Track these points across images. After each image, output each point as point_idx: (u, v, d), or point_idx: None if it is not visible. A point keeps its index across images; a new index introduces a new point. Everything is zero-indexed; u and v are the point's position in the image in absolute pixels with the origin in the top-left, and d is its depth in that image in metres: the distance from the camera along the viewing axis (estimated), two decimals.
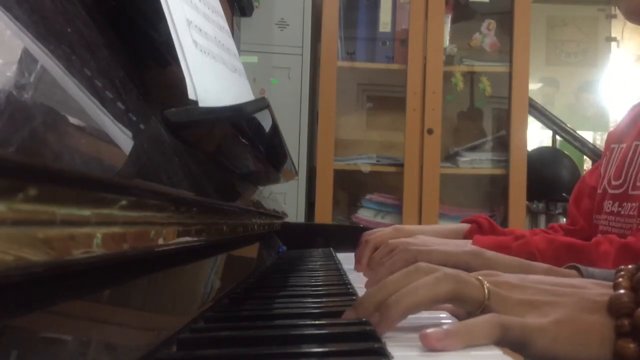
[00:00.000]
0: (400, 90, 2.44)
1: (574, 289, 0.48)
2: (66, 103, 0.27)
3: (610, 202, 0.86)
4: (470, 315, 0.47)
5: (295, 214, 2.34)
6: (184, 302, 0.47)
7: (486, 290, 0.46)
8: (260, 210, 0.84)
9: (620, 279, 0.46)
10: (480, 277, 0.48)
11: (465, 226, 1.02)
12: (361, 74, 2.57)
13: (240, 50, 2.29)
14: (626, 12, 0.85)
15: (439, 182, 2.37)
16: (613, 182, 0.86)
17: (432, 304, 0.47)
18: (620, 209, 0.84)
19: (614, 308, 0.44)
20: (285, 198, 2.30)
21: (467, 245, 0.80)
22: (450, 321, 0.50)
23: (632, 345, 0.42)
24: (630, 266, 0.47)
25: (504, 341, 0.43)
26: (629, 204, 0.82)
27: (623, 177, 0.84)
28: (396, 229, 0.97)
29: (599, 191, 0.90)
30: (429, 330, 0.42)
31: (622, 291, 0.44)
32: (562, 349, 0.44)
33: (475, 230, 0.99)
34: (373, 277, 0.70)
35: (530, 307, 0.46)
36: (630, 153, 0.84)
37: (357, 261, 0.92)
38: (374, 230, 0.98)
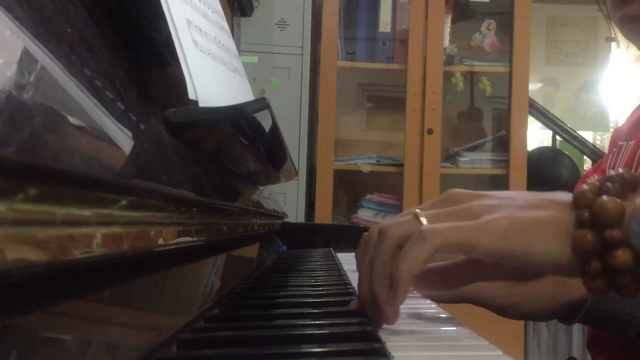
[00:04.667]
0: (400, 90, 2.44)
1: (528, 194, 0.46)
2: (66, 103, 0.27)
3: None
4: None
5: (295, 214, 2.34)
6: (184, 302, 0.47)
7: (423, 220, 0.44)
8: (260, 210, 0.84)
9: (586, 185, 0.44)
10: (416, 211, 0.46)
11: None
12: (361, 74, 2.57)
13: (240, 50, 2.29)
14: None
15: (439, 182, 2.37)
16: None
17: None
18: None
19: (575, 201, 0.42)
20: (285, 198, 2.30)
21: None
22: (445, 315, 0.51)
23: (589, 235, 0.40)
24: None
25: (443, 247, 0.42)
26: None
27: None
28: None
29: None
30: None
31: (585, 186, 0.43)
32: (513, 245, 0.42)
33: None
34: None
35: (481, 211, 0.44)
36: (639, 151, 0.83)
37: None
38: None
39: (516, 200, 0.45)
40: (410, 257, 0.42)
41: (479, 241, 0.42)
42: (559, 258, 0.41)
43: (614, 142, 0.95)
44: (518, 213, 0.43)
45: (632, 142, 0.86)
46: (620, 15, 0.77)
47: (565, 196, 0.44)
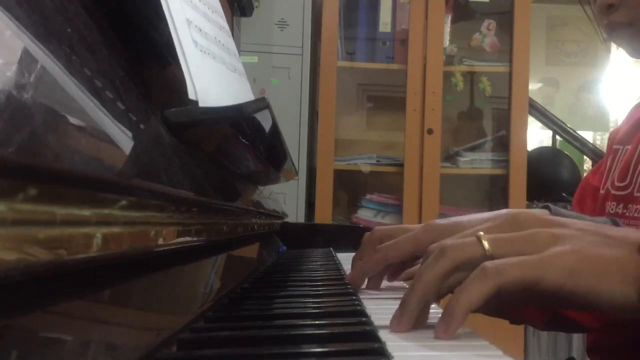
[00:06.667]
0: (400, 90, 2.44)
1: (598, 228, 0.44)
2: (66, 103, 0.27)
3: (615, 203, 0.85)
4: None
5: (295, 214, 2.34)
6: (184, 302, 0.47)
7: (485, 244, 0.44)
8: (260, 210, 0.84)
9: None
10: (480, 233, 0.45)
11: None
12: (361, 74, 2.57)
13: (240, 50, 2.29)
14: (629, 53, 0.84)
15: (439, 182, 2.37)
16: (617, 184, 0.85)
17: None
18: (625, 210, 0.83)
19: None
20: (285, 198, 2.30)
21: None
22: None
23: None
24: None
25: (506, 286, 0.40)
26: (634, 206, 0.81)
27: (628, 179, 0.83)
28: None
29: (602, 191, 0.89)
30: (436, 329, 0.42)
31: None
32: (579, 283, 0.40)
33: None
34: (351, 274, 0.68)
35: (547, 241, 0.43)
36: (636, 155, 0.83)
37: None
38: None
39: (585, 234, 0.43)
40: (469, 294, 0.41)
41: (543, 277, 0.40)
42: (624, 301, 0.40)
43: (610, 145, 0.95)
44: (586, 248, 0.42)
45: (628, 147, 0.86)
46: (606, 22, 0.77)
47: (635, 235, 0.43)
